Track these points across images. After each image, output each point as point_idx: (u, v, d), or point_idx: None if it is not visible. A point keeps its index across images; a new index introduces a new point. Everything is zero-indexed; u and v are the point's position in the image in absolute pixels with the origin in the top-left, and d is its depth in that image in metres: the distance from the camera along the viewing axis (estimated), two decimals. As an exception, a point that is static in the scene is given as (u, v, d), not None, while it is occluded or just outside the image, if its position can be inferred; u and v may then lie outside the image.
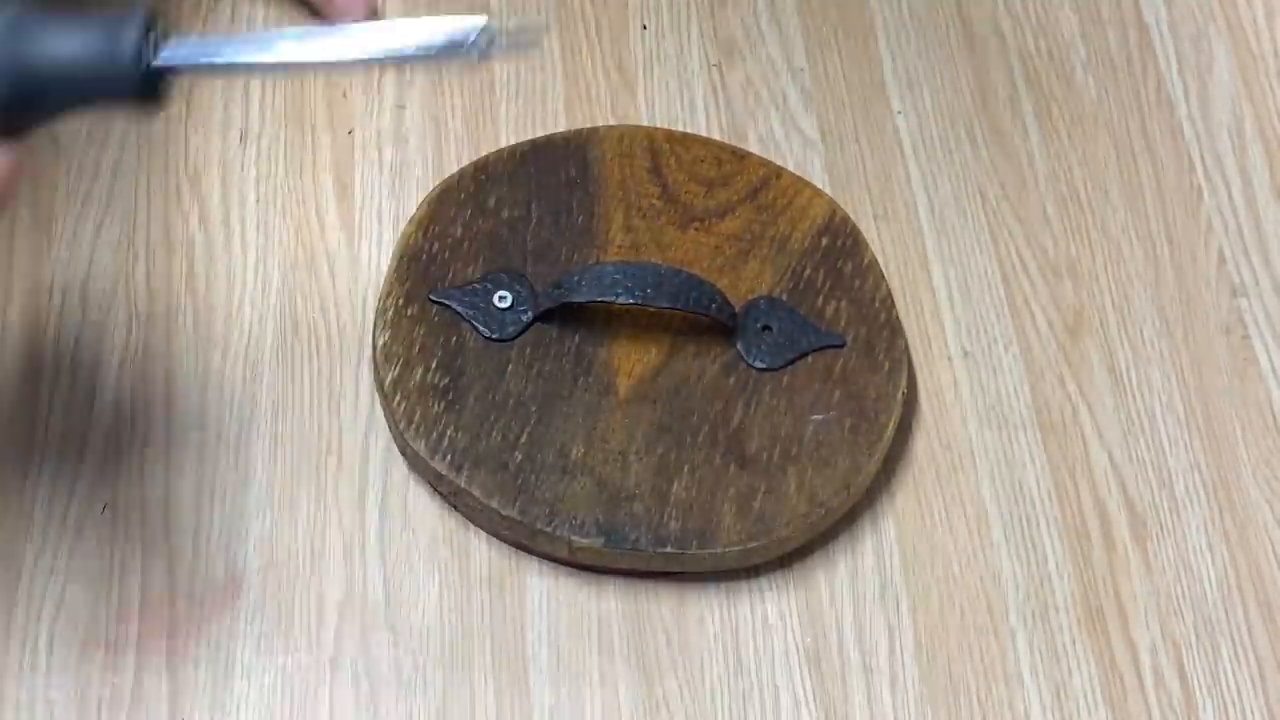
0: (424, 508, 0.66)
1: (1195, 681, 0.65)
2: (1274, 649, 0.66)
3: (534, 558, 0.66)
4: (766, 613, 0.65)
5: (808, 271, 0.70)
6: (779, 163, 0.75)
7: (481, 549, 0.66)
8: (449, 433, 0.65)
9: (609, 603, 0.65)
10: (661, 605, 0.65)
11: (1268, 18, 0.81)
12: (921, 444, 0.69)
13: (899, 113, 0.78)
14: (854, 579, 0.66)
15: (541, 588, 0.65)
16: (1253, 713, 0.64)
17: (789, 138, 0.77)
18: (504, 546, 0.66)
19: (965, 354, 0.72)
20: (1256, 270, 0.74)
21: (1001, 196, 0.76)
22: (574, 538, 0.64)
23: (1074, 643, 0.65)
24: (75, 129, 0.74)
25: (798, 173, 0.74)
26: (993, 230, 0.75)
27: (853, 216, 0.73)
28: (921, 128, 0.77)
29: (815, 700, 0.64)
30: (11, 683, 0.62)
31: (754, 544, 0.64)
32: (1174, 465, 0.69)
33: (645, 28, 0.80)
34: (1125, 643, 0.65)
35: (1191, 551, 0.67)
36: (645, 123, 0.76)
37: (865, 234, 0.72)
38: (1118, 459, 0.69)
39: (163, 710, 0.62)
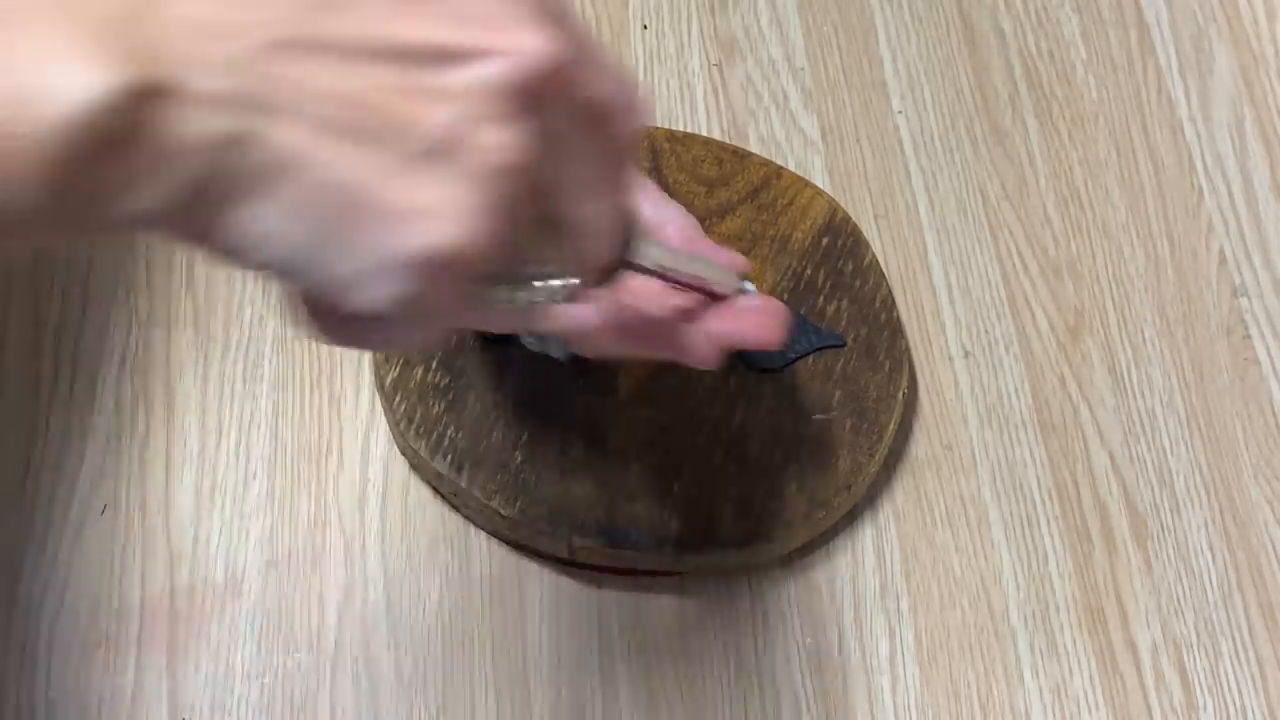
0: (424, 508, 0.66)
1: (1196, 681, 0.65)
2: (1275, 648, 0.66)
3: (534, 558, 0.66)
4: (767, 612, 0.65)
5: (808, 271, 0.70)
6: (779, 162, 0.74)
7: (481, 549, 0.66)
8: (449, 433, 0.65)
9: (609, 603, 0.65)
10: (662, 605, 0.65)
11: (1268, 17, 0.81)
12: (922, 444, 0.69)
13: (899, 112, 0.78)
14: (854, 579, 0.66)
15: (541, 588, 0.65)
16: (1254, 712, 0.64)
17: (789, 137, 0.77)
18: (504, 546, 0.66)
19: (966, 354, 0.71)
20: (1257, 270, 0.74)
21: (1002, 196, 0.76)
22: (574, 538, 0.64)
23: (1074, 643, 0.65)
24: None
25: (798, 172, 0.74)
26: (993, 230, 0.75)
27: (853, 216, 0.73)
28: (922, 127, 0.77)
29: (816, 700, 0.64)
30: (11, 683, 0.62)
31: (754, 544, 0.64)
32: (1175, 465, 0.69)
33: (645, 27, 0.80)
34: (1126, 643, 0.65)
35: (1192, 551, 0.67)
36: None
37: (865, 234, 0.72)
38: (1118, 459, 0.69)
39: (162, 710, 0.62)
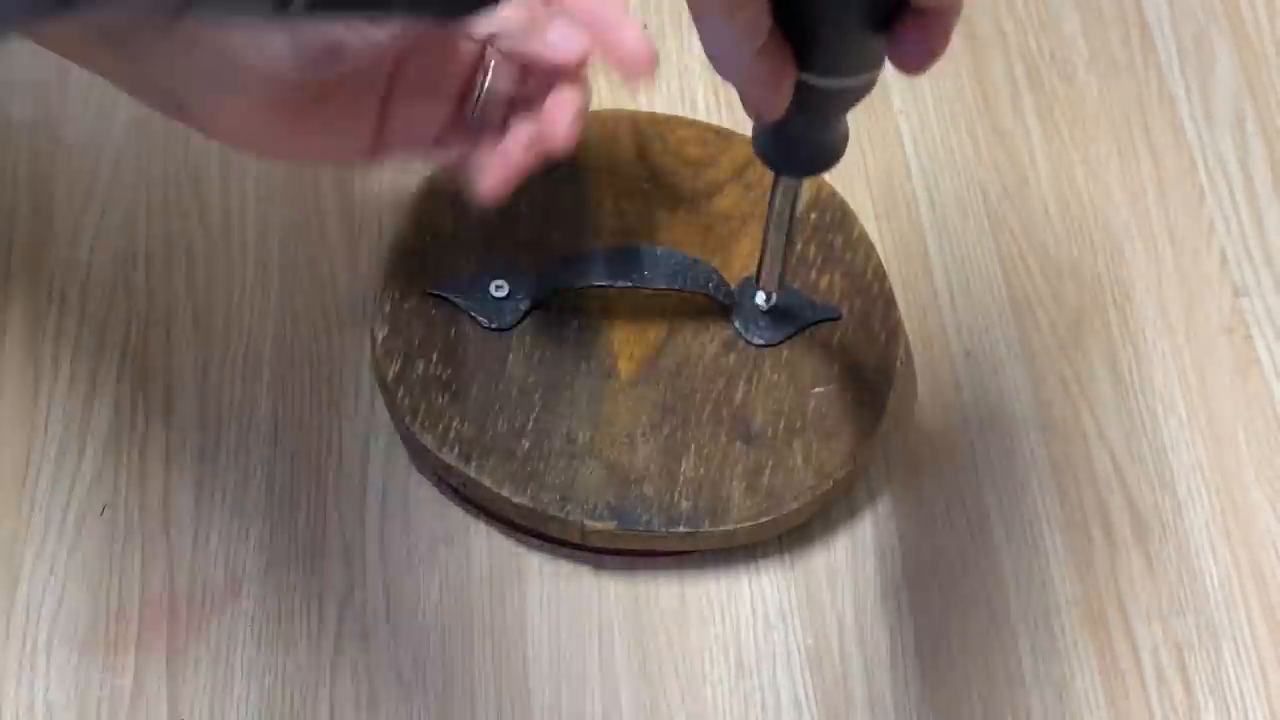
0: (424, 507, 0.66)
1: (1197, 682, 0.65)
2: (1276, 649, 0.65)
3: (534, 557, 0.66)
4: (768, 613, 0.65)
5: (799, 247, 0.70)
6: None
7: (481, 548, 0.66)
8: (455, 424, 0.65)
9: (610, 603, 0.65)
10: (663, 605, 0.65)
11: (1270, 17, 0.81)
12: (924, 444, 0.69)
13: (901, 112, 0.78)
14: (856, 579, 0.66)
15: (542, 588, 0.65)
16: (1255, 713, 0.64)
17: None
18: (505, 546, 0.66)
19: (967, 354, 0.71)
20: (1259, 270, 0.74)
21: (1003, 196, 0.75)
22: (587, 521, 0.64)
23: (1076, 643, 0.65)
24: (76, 130, 0.74)
25: (799, 172, 0.74)
26: (994, 230, 0.75)
27: (854, 216, 0.73)
28: (922, 127, 0.77)
29: (817, 701, 0.63)
30: (11, 683, 0.62)
31: (765, 518, 0.64)
32: (1176, 465, 0.69)
33: (645, 27, 0.79)
34: (1127, 643, 0.65)
35: (1194, 552, 0.67)
36: (646, 123, 0.76)
37: (868, 234, 0.72)
38: (1120, 459, 0.69)
39: (162, 711, 0.62)
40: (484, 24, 0.58)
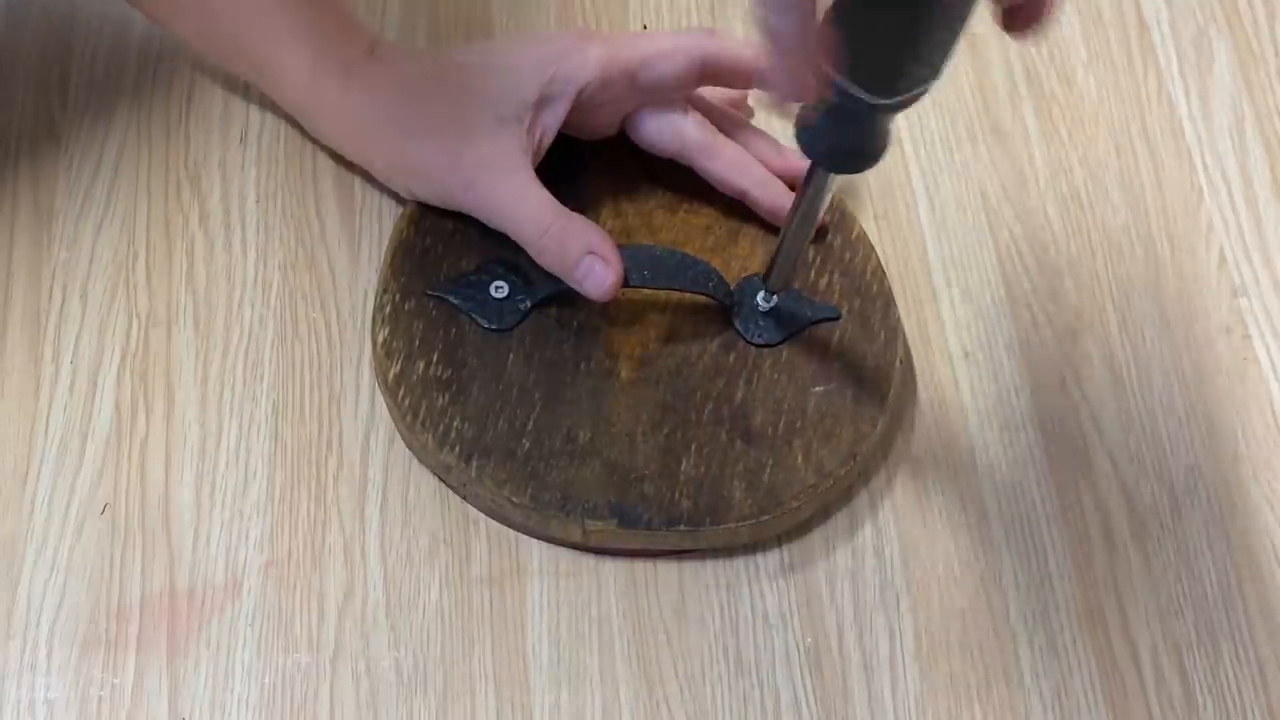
0: (424, 507, 0.66)
1: (1196, 681, 0.65)
2: (1274, 649, 0.66)
3: (534, 557, 0.66)
4: (767, 612, 0.65)
5: None
6: (779, 162, 0.74)
7: (481, 549, 0.66)
8: (455, 424, 0.65)
9: (609, 603, 0.65)
10: (662, 605, 0.65)
11: (1268, 17, 0.81)
12: (922, 444, 0.69)
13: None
14: (855, 579, 0.66)
15: (541, 588, 0.65)
16: (1253, 713, 0.64)
17: (789, 138, 0.76)
18: (505, 546, 0.66)
19: (965, 354, 0.72)
20: (1257, 270, 0.74)
21: (1002, 196, 0.76)
22: (587, 521, 0.64)
23: (1074, 642, 0.65)
24: (76, 129, 0.74)
25: (798, 173, 0.74)
26: (993, 230, 0.75)
27: (853, 216, 0.73)
28: (922, 127, 0.77)
29: (816, 700, 0.64)
30: (11, 682, 0.62)
31: (766, 517, 0.64)
32: (1174, 465, 0.69)
33: (645, 28, 0.80)
34: (1126, 642, 0.65)
35: (1192, 551, 0.67)
36: (646, 122, 0.76)
37: (866, 234, 0.72)
38: (1118, 459, 0.69)
39: (162, 710, 0.62)
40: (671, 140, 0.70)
